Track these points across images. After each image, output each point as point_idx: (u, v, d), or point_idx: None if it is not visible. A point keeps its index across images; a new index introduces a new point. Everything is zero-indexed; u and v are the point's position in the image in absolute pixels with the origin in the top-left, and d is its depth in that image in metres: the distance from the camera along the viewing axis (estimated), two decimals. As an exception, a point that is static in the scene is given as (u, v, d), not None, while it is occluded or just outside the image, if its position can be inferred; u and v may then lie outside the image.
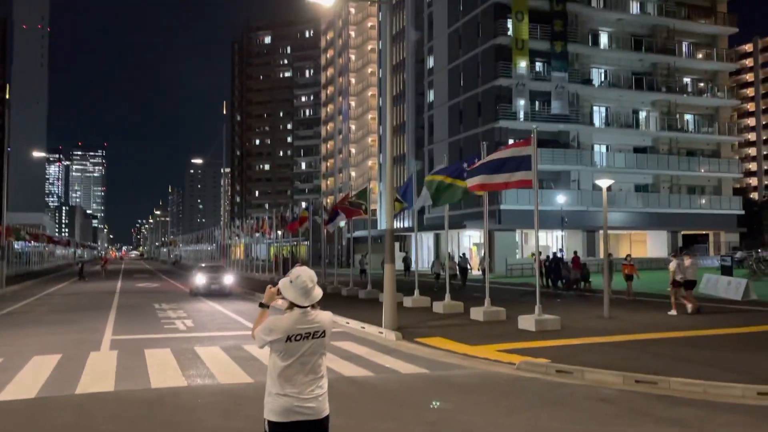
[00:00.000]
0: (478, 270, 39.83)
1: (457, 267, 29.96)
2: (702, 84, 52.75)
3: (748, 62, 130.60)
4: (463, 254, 34.58)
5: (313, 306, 3.53)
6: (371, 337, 13.94)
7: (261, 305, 3.72)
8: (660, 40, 50.39)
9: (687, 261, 17.29)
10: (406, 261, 40.36)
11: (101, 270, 51.69)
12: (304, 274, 3.51)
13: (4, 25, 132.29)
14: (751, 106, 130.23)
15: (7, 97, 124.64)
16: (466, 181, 15.70)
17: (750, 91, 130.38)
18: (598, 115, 49.59)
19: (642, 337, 12.85)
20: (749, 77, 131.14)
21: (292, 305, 3.51)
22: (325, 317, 3.58)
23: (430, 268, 35.42)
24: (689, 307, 16.88)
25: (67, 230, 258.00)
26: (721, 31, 52.92)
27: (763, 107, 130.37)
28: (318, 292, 3.53)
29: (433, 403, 7.70)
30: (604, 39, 49.92)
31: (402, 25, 62.75)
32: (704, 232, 51.90)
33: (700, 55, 52.69)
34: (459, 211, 44.61)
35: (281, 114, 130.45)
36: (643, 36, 50.35)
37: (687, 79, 52.28)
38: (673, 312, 16.78)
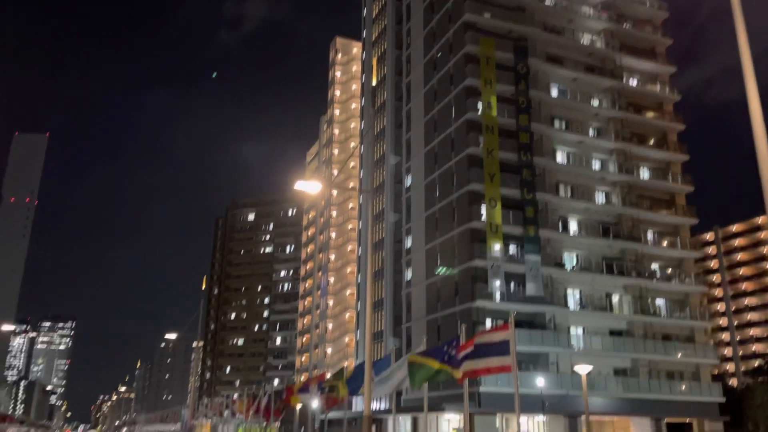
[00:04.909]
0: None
1: None
2: (670, 270, 54.74)
3: (711, 250, 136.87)
4: None
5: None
6: None
7: None
8: (626, 228, 53.17)
9: None
10: None
11: None
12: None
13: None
14: (719, 292, 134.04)
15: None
16: (452, 370, 15.65)
17: (716, 278, 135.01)
18: (573, 297, 50.61)
19: None
20: (714, 264, 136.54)
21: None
22: None
23: None
24: None
25: (23, 406, 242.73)
26: (683, 222, 56.17)
27: (732, 293, 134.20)
28: None
29: None
30: (573, 225, 52.56)
31: (381, 208, 65.80)
32: (688, 420, 50.59)
33: (665, 243, 55.33)
34: (437, 392, 43.42)
35: (259, 288, 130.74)
36: (610, 224, 53.18)
37: (655, 265, 54.32)
38: None
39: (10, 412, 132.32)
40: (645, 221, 54.56)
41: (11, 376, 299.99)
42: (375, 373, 20.65)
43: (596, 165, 55.05)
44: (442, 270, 49.63)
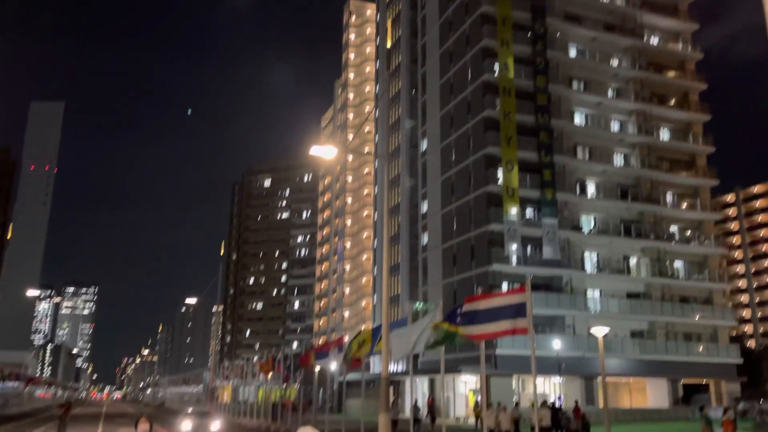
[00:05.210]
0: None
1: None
2: (689, 232, 54.23)
3: (732, 212, 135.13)
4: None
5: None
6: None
7: None
8: (645, 191, 52.58)
9: (503, 413, 21.17)
10: (416, 410, 30.83)
11: (59, 427, 29.86)
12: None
13: (13, 166, 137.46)
14: (738, 254, 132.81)
15: (9, 236, 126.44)
16: (460, 328, 15.64)
17: (736, 240, 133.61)
18: (590, 260, 50.46)
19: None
20: (734, 226, 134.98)
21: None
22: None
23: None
24: None
25: (50, 369, 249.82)
26: (703, 183, 55.37)
27: (751, 255, 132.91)
28: None
29: None
30: (591, 188, 52.08)
31: (397, 172, 65.57)
32: (704, 382, 50.75)
33: (684, 205, 54.70)
34: (454, 354, 43.84)
35: (277, 253, 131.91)
36: (628, 186, 52.60)
37: (674, 228, 53.83)
38: None
39: (38, 374, 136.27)
40: (664, 183, 53.90)
41: (38, 339, 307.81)
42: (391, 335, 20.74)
43: (615, 126, 54.21)
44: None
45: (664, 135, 55.69)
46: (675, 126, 56.25)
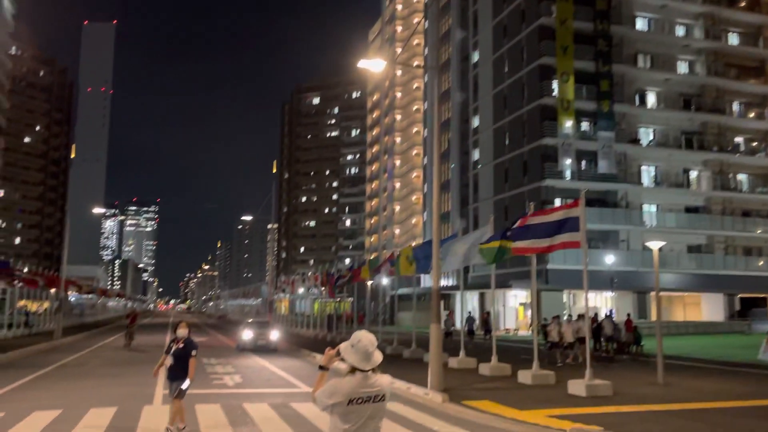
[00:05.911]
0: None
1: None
2: (755, 143, 51.76)
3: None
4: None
5: (373, 370, 3.65)
6: (417, 398, 13.80)
7: (320, 368, 3.87)
8: (709, 100, 49.98)
9: (565, 326, 21.43)
10: (470, 322, 33.05)
11: (126, 336, 29.39)
12: (365, 338, 3.65)
13: (71, 89, 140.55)
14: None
15: (73, 156, 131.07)
16: (512, 243, 15.61)
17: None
18: (647, 174, 49.01)
19: (700, 405, 12.36)
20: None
21: (353, 369, 3.64)
22: (385, 381, 3.70)
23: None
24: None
25: (119, 282, 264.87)
26: (773, 91, 52.17)
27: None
28: (378, 356, 3.66)
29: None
30: (651, 98, 49.83)
31: (447, 86, 64.06)
32: (763, 296, 49.82)
33: (751, 115, 51.91)
34: (504, 270, 44.13)
35: (327, 172, 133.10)
36: (692, 95, 50.07)
37: (739, 139, 51.41)
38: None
39: (109, 287, 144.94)
40: (731, 92, 51.06)
41: (106, 255, 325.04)
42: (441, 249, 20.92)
43: (680, 31, 51.02)
44: None
45: (733, 40, 52.20)
46: (745, 30, 52.52)
